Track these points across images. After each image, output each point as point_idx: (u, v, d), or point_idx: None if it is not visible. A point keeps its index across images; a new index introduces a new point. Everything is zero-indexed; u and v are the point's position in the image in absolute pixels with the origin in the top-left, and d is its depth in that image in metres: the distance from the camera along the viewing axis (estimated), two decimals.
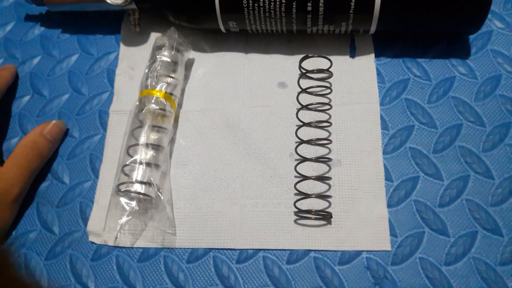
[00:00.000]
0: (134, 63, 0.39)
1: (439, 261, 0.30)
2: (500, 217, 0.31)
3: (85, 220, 0.34)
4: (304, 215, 0.32)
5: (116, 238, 0.33)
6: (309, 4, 0.32)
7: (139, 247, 0.33)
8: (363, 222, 0.31)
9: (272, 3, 0.32)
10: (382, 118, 0.34)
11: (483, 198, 0.32)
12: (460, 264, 0.30)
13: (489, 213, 0.31)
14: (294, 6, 0.32)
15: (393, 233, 0.31)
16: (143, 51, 0.39)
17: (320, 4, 0.32)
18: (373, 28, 0.34)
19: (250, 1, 0.33)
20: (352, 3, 0.32)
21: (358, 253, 0.31)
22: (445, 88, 0.35)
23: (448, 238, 0.31)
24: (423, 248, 0.31)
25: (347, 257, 0.31)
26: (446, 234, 0.31)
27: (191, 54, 0.38)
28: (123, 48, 0.39)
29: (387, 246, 0.31)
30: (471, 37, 0.36)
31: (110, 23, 0.41)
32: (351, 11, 0.32)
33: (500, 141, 0.33)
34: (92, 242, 0.33)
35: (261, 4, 0.33)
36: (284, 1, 0.32)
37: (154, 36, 0.39)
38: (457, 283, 0.30)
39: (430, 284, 0.30)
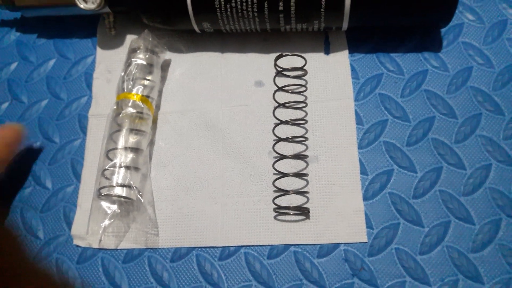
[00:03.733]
0: (111, 66, 0.39)
1: (414, 250, 0.31)
2: (471, 206, 0.32)
3: (69, 224, 0.34)
4: (283, 211, 0.33)
5: (100, 240, 0.33)
6: (280, 3, 0.32)
7: (124, 249, 0.33)
8: (340, 215, 0.32)
9: (244, 4, 0.33)
10: (356, 113, 0.35)
11: (455, 188, 0.33)
12: (434, 253, 0.31)
13: (461, 203, 0.32)
14: (266, 6, 0.33)
15: (369, 225, 0.32)
16: (120, 54, 0.39)
17: (292, 3, 0.32)
18: (345, 25, 0.34)
19: (222, 2, 0.33)
20: (322, 1, 0.32)
21: (336, 245, 0.32)
22: (418, 81, 0.36)
23: (423, 228, 0.32)
24: (398, 238, 0.32)
25: (325, 250, 0.32)
26: (420, 225, 0.32)
27: (168, 55, 0.38)
28: (99, 51, 0.40)
29: (364, 238, 0.32)
30: (443, 30, 0.37)
31: (86, 27, 0.41)
32: (322, 9, 0.32)
33: (472, 132, 0.34)
34: (77, 245, 0.34)
35: (233, 5, 0.33)
36: (256, 1, 0.32)
37: (130, 39, 0.39)
38: (431, 271, 0.31)
39: (406, 273, 0.31)
